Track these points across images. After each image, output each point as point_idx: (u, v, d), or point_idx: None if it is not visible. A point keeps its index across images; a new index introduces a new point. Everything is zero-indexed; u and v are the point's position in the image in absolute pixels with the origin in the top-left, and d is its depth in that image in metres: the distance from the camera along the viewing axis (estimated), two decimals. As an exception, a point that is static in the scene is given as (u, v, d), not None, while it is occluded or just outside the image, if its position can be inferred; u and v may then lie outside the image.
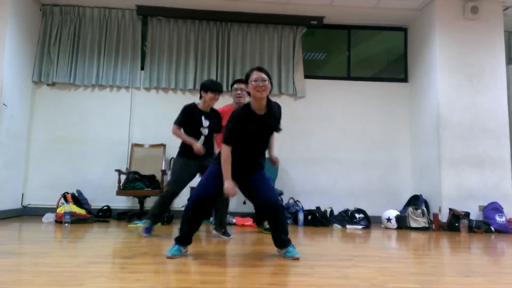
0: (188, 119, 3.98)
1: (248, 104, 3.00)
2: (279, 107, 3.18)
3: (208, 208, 3.05)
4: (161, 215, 4.17)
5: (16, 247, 3.25)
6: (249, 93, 3.04)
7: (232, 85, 4.34)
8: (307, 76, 6.48)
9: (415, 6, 6.08)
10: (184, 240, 3.00)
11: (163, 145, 6.05)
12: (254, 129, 2.97)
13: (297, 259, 2.93)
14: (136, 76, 6.21)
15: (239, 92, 4.26)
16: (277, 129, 3.13)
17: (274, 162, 3.48)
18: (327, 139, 6.38)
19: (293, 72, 6.37)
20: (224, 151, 2.95)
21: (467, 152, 5.60)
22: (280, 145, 6.23)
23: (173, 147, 6.10)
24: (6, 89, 5.26)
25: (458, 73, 5.73)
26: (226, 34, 6.36)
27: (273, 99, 6.39)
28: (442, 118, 5.63)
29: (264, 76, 2.91)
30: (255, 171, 3.08)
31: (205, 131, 3.99)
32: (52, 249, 3.15)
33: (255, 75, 2.91)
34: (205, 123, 3.98)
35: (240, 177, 3.04)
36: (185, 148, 3.98)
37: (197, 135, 3.96)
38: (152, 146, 6.07)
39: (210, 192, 2.97)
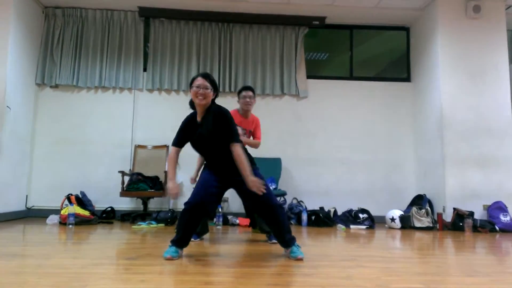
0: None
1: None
2: (220, 114, 2.92)
3: (208, 211, 2.99)
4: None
5: (20, 249, 3.25)
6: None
7: (240, 92, 4.13)
8: (309, 77, 6.48)
9: (417, 6, 6.07)
10: (180, 243, 2.96)
11: (166, 146, 6.06)
12: (194, 135, 3.01)
13: (301, 259, 2.90)
14: (139, 78, 6.22)
15: (248, 100, 4.06)
16: (212, 136, 2.91)
17: (251, 186, 2.82)
18: (330, 139, 6.37)
19: (295, 73, 6.37)
20: (170, 152, 3.11)
21: (471, 151, 5.59)
22: (283, 146, 6.24)
23: (176, 148, 6.12)
24: (9, 91, 5.28)
25: (461, 72, 5.71)
26: (228, 35, 6.37)
27: (276, 99, 6.45)
28: (446, 118, 5.62)
29: (207, 84, 2.92)
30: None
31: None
32: (56, 250, 3.16)
33: (198, 81, 2.93)
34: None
35: (228, 180, 3.02)
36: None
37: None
38: (155, 147, 6.08)
39: (203, 197, 2.91)
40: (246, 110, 4.10)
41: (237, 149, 2.89)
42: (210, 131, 2.91)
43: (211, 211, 3.03)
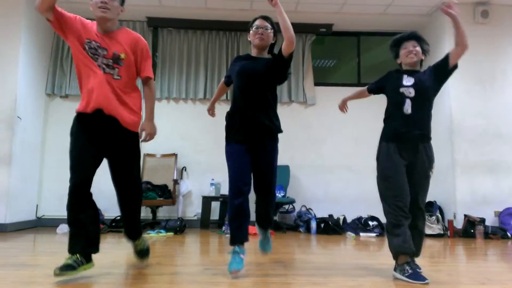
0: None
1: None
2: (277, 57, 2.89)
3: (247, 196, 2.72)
4: None
5: (31, 259, 3.28)
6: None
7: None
8: (317, 84, 6.48)
9: (424, 12, 6.06)
10: (236, 238, 2.69)
11: (175, 155, 6.08)
12: (246, 65, 2.83)
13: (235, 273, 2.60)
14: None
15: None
16: (266, 72, 2.81)
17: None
18: (338, 146, 6.35)
19: (303, 80, 6.38)
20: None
21: (481, 157, 5.53)
22: (292, 153, 6.22)
23: (185, 157, 6.15)
24: (20, 102, 5.34)
25: (469, 78, 5.67)
26: (235, 43, 6.40)
27: (284, 107, 6.44)
28: (455, 124, 5.58)
29: (267, 24, 2.83)
30: (269, 135, 2.81)
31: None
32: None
33: (258, 22, 2.85)
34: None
35: (254, 143, 2.76)
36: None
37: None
38: (164, 155, 6.10)
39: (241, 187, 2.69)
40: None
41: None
42: (269, 66, 2.81)
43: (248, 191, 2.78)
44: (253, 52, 2.91)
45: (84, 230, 2.45)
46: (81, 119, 2.61)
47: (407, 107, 2.75)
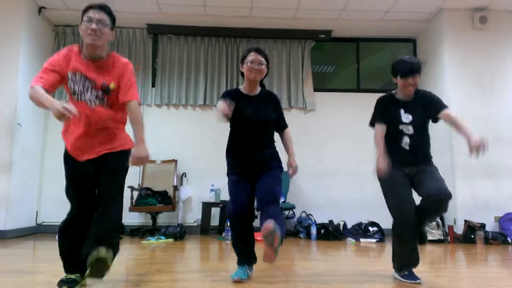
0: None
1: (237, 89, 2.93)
2: (274, 97, 2.97)
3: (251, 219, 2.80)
4: None
5: (31, 266, 3.27)
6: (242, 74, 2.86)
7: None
8: (316, 89, 6.50)
9: (423, 18, 6.09)
10: (241, 259, 2.79)
11: (175, 161, 6.08)
12: (246, 108, 2.76)
13: (237, 281, 2.62)
14: (148, 93, 6.28)
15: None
16: (276, 116, 2.86)
17: (293, 171, 2.89)
18: (338, 151, 6.35)
19: (302, 86, 6.40)
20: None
21: (481, 162, 5.51)
22: (291, 159, 6.20)
23: (185, 163, 6.16)
24: (20, 109, 5.36)
25: (468, 83, 5.69)
26: (235, 49, 6.43)
27: (283, 113, 6.44)
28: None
29: (262, 59, 2.78)
30: (270, 166, 2.79)
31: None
32: (66, 267, 3.16)
33: (252, 56, 2.78)
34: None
35: (254, 170, 2.76)
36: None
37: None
38: (164, 162, 6.10)
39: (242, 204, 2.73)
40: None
41: (289, 132, 3.03)
42: (270, 111, 2.84)
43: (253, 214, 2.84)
44: (246, 85, 2.86)
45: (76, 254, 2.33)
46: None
47: (405, 143, 2.79)
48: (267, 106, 2.86)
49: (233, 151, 2.84)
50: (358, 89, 6.62)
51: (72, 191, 2.44)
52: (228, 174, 2.84)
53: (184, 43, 6.34)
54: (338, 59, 7.04)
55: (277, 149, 2.91)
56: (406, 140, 2.78)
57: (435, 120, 2.89)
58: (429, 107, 2.83)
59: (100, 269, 2.17)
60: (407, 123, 2.78)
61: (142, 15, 6.01)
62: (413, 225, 2.69)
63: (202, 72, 6.31)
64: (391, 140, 2.82)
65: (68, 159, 2.46)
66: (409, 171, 2.79)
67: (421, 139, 2.83)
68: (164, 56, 6.35)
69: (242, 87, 2.89)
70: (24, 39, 5.45)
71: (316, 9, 5.83)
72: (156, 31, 6.30)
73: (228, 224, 5.10)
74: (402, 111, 2.81)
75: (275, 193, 2.72)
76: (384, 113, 2.88)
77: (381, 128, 2.85)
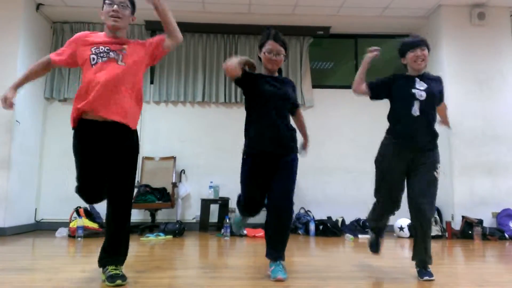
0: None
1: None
2: (290, 81, 3.10)
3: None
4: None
5: (30, 263, 3.28)
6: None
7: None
8: (315, 86, 6.50)
9: (421, 14, 6.09)
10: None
11: (173, 158, 6.08)
12: (269, 87, 2.80)
13: (281, 280, 2.54)
14: (146, 90, 6.27)
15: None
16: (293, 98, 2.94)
17: (305, 145, 3.18)
18: (336, 148, 6.36)
19: (301, 82, 6.40)
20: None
21: (479, 159, 5.55)
22: (290, 155, 6.21)
23: (183, 160, 6.16)
24: (18, 106, 5.34)
25: (467, 79, 5.70)
26: (233, 46, 6.42)
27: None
28: (452, 125, 5.58)
29: (280, 48, 2.78)
30: (288, 150, 2.81)
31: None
32: (65, 264, 3.18)
33: (270, 45, 2.78)
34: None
35: (271, 163, 2.75)
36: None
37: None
38: (163, 158, 6.11)
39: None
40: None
41: (301, 112, 3.12)
42: (289, 89, 2.91)
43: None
44: (265, 71, 2.92)
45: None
46: (79, 132, 2.63)
47: (416, 109, 2.74)
48: (286, 86, 2.92)
49: (252, 126, 2.82)
50: (357, 86, 6.61)
51: None
52: (245, 153, 2.82)
53: (182, 39, 6.32)
54: (336, 56, 7.03)
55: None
56: (416, 107, 2.75)
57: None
58: (437, 88, 2.88)
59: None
60: (422, 89, 2.79)
61: (140, 11, 5.84)
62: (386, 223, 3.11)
63: (201, 69, 6.30)
64: (400, 108, 2.83)
65: None
66: (412, 156, 2.76)
67: (430, 110, 2.79)
68: (163, 52, 6.33)
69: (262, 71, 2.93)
70: (22, 36, 5.43)
71: (314, 6, 5.82)
72: (155, 28, 6.27)
73: (227, 221, 5.17)
74: (417, 79, 2.85)
75: (290, 198, 2.74)
76: (388, 80, 3.00)
77: (367, 84, 3.09)
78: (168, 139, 6.18)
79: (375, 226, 3.17)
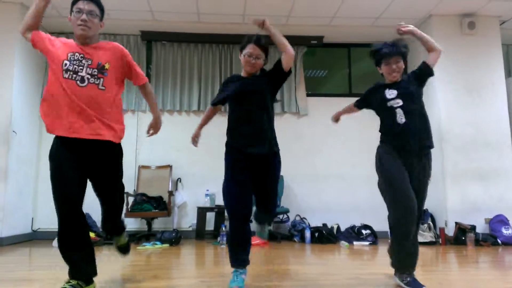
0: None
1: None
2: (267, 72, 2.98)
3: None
4: None
5: (28, 274, 3.30)
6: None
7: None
8: (309, 94, 6.57)
9: (412, 24, 6.02)
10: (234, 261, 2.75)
11: (170, 166, 6.12)
12: (239, 85, 2.81)
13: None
14: (142, 100, 6.30)
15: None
16: (261, 88, 2.82)
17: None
18: (331, 155, 6.42)
19: (295, 91, 6.47)
20: (206, 111, 3.28)
21: (470, 165, 5.63)
22: (285, 163, 6.24)
23: (179, 168, 6.20)
24: (15, 116, 5.38)
25: (457, 87, 5.79)
26: (228, 56, 6.49)
27: (277, 118, 6.48)
28: (444, 132, 5.68)
29: (259, 52, 2.77)
30: (271, 153, 2.91)
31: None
32: (62, 274, 3.18)
33: (250, 49, 2.78)
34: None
35: (253, 161, 2.80)
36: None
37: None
38: (159, 167, 6.14)
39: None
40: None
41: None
42: (263, 82, 2.83)
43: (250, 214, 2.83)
44: (244, 72, 2.91)
45: (82, 263, 2.47)
46: (61, 142, 2.52)
47: (400, 117, 2.76)
48: (258, 80, 2.85)
49: (231, 129, 2.90)
50: (350, 93, 6.70)
51: None
52: (227, 153, 2.88)
53: (178, 49, 6.40)
54: (330, 64, 7.12)
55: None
56: (399, 114, 2.77)
57: (424, 77, 3.00)
58: (413, 77, 2.95)
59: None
60: (393, 98, 2.82)
61: (136, 22, 6.06)
62: (416, 222, 2.69)
63: (196, 78, 6.37)
64: (386, 120, 2.87)
65: None
66: (409, 160, 2.76)
67: (414, 110, 2.78)
68: (158, 62, 6.40)
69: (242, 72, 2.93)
70: (18, 47, 5.47)
71: (307, 16, 5.91)
72: (150, 38, 6.35)
73: (223, 229, 5.20)
74: (386, 90, 2.88)
75: (273, 206, 2.96)
76: (367, 97, 3.11)
77: (352, 107, 3.38)
78: (164, 148, 6.22)
79: (405, 256, 2.71)
